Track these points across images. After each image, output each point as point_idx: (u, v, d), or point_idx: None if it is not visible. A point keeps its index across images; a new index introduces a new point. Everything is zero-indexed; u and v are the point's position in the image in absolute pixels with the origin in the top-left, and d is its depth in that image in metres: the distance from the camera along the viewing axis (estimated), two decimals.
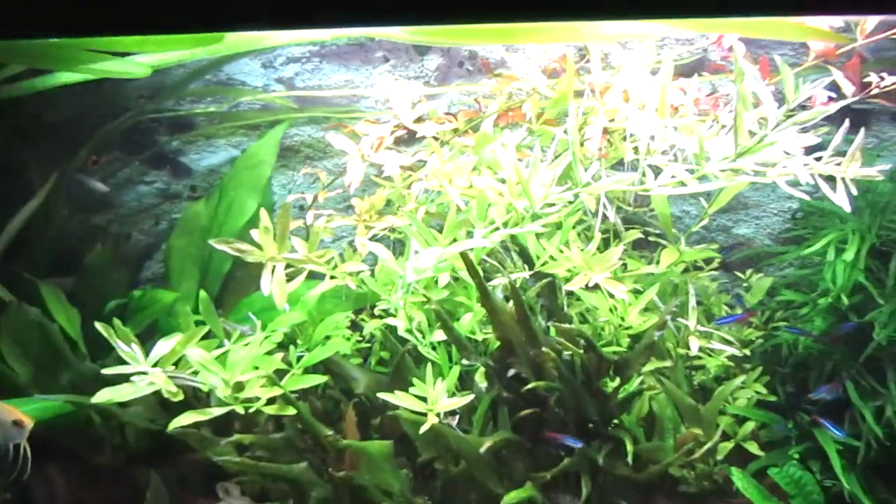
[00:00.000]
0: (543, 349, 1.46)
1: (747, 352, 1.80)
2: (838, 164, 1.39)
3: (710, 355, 1.78)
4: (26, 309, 1.57)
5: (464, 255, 1.49)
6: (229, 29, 1.26)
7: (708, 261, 1.85)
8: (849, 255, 1.60)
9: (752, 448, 1.73)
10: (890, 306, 1.59)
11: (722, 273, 1.94)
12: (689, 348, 1.72)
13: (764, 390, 1.82)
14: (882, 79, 1.50)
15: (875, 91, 1.46)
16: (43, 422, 1.47)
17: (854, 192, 1.39)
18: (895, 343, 1.62)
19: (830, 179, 1.40)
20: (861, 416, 1.62)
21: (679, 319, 1.72)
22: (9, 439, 1.35)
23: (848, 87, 1.39)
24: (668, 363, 1.76)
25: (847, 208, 1.37)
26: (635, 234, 1.71)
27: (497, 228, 1.49)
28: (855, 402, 1.63)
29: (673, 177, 1.45)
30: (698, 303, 1.80)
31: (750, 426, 1.75)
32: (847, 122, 1.38)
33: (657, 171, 1.47)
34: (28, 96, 1.58)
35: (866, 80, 1.47)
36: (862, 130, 1.34)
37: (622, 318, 1.66)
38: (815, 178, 1.39)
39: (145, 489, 1.59)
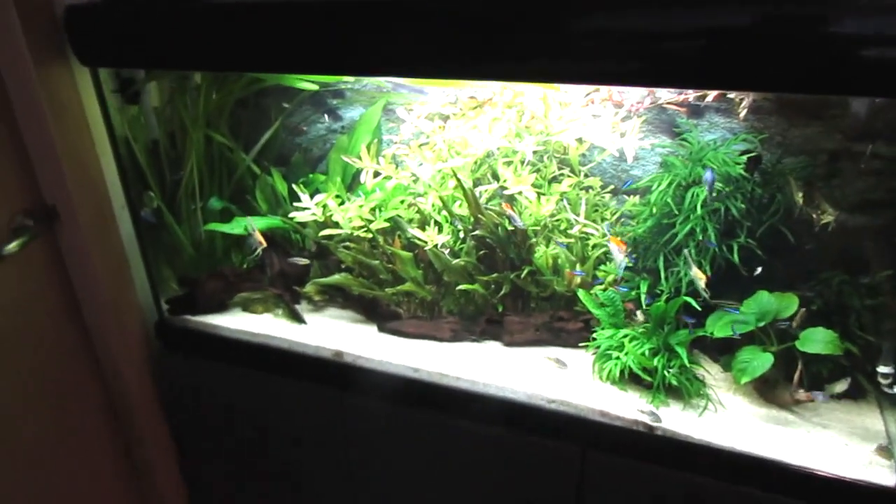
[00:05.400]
0: (483, 219, 3.01)
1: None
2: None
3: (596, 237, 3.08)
4: (266, 178, 3.37)
5: (454, 172, 3.05)
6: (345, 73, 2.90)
7: (604, 186, 3.23)
8: (662, 187, 2.91)
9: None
10: (683, 216, 2.89)
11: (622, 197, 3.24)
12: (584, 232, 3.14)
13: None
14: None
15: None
16: (270, 229, 3.32)
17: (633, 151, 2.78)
18: (686, 238, 2.85)
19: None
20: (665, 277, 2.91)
21: (577, 218, 3.14)
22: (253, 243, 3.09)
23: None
24: (571, 240, 3.21)
25: (629, 160, 2.77)
26: (551, 168, 3.15)
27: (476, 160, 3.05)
28: (660, 269, 2.96)
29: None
30: (595, 210, 3.22)
31: (612, 277, 3.15)
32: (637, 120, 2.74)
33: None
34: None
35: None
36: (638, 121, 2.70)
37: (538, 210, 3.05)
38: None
39: (306, 272, 3.41)
